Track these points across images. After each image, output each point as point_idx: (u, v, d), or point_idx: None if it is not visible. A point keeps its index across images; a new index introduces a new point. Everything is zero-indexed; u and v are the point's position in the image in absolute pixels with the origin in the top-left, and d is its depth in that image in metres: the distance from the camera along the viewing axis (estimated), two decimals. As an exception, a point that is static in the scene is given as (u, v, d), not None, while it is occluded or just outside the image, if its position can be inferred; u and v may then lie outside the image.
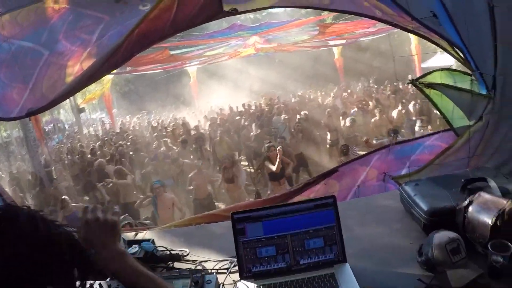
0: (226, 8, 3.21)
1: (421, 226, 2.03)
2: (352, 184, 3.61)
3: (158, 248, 2.14)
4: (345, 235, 1.84)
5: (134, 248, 2.14)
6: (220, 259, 2.05)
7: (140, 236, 2.33)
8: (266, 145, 8.18)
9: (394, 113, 11.33)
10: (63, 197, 8.42)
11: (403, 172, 3.52)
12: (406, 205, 2.23)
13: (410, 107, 11.38)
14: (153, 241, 2.17)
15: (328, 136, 11.10)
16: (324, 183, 3.71)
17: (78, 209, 7.47)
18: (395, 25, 3.58)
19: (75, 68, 3.90)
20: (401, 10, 3.36)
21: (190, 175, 8.48)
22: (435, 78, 3.60)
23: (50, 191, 9.65)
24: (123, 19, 3.68)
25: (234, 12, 3.28)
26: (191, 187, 8.44)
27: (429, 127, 9.95)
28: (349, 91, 18.28)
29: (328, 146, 11.10)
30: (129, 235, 2.48)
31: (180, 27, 3.38)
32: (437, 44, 3.63)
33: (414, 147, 3.63)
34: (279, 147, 7.86)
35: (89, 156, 12.59)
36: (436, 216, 1.96)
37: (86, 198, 9.80)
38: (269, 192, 8.06)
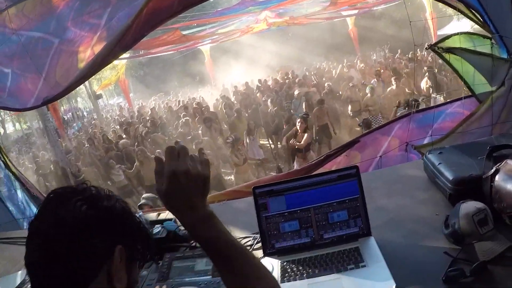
0: None
1: (447, 196, 1.95)
2: (374, 154, 3.53)
3: (180, 227, 2.12)
4: (369, 207, 1.78)
5: (157, 228, 2.13)
6: (243, 235, 2.03)
7: (163, 216, 2.33)
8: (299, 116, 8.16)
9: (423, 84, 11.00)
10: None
11: (426, 141, 3.43)
12: (431, 174, 2.14)
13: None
14: (175, 221, 2.15)
15: (349, 108, 10.96)
16: (345, 155, 3.65)
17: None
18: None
19: (87, 53, 3.88)
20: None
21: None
22: (455, 42, 3.47)
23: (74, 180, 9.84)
24: (130, 0, 3.63)
25: None
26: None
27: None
28: (367, 61, 17.97)
29: (350, 117, 10.98)
30: (152, 215, 2.49)
31: (188, 2, 3.29)
32: (454, 8, 3.48)
33: (436, 115, 3.51)
34: (299, 120, 7.85)
35: (111, 138, 12.74)
36: (462, 185, 1.87)
37: (109, 182, 9.95)
38: (296, 167, 8.01)
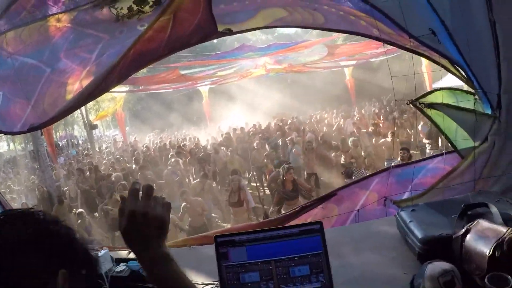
0: (220, 28, 3.20)
1: (416, 255, 1.90)
2: (352, 208, 3.47)
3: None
4: (336, 262, 1.75)
5: (121, 267, 2.12)
6: (204, 282, 1.97)
7: (132, 254, 2.26)
8: (286, 166, 8.12)
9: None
10: (80, 210, 8.45)
11: (405, 196, 3.39)
12: (402, 232, 2.10)
13: (420, 128, 11.25)
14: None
15: (342, 158, 11.00)
16: (322, 207, 3.60)
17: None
18: (393, 44, 3.51)
19: (75, 86, 3.89)
20: (398, 29, 3.30)
21: (183, 204, 8.07)
22: (437, 97, 3.51)
23: (60, 209, 9.66)
24: (122, 39, 3.69)
25: (228, 32, 3.29)
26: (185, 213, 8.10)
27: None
28: (362, 111, 18.25)
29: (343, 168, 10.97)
30: (123, 253, 2.42)
31: (175, 47, 3.37)
32: (438, 63, 3.55)
33: (416, 170, 3.49)
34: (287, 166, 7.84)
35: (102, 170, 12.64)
36: (431, 245, 1.83)
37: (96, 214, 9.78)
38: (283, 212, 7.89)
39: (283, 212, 7.87)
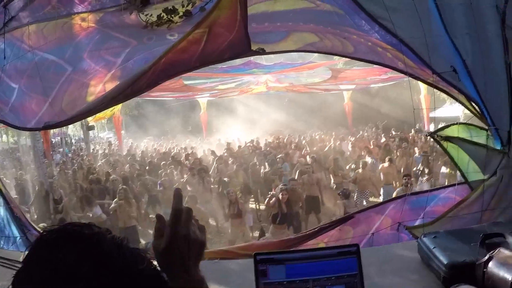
0: (254, 47, 3.26)
1: (440, 278, 2.00)
2: (366, 231, 3.56)
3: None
4: (365, 282, 1.80)
5: None
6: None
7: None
8: (281, 186, 8.14)
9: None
10: (60, 216, 8.36)
11: (417, 222, 3.50)
12: (425, 256, 2.20)
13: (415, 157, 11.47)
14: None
15: (332, 180, 11.08)
16: (339, 229, 3.67)
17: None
18: (416, 78, 3.63)
19: (97, 88, 3.88)
20: (422, 63, 3.42)
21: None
22: (453, 131, 3.64)
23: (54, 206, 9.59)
24: (150, 46, 3.71)
25: (261, 52, 3.34)
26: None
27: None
28: (358, 135, 18.45)
29: (334, 189, 11.05)
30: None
31: (207, 60, 3.41)
32: (455, 98, 3.68)
33: (429, 199, 3.61)
34: (282, 188, 7.86)
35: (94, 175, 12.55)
36: (456, 270, 1.94)
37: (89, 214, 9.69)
38: (267, 234, 7.92)
39: (267, 235, 7.87)
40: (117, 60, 3.86)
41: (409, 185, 7.44)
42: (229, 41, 3.10)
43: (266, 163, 12.91)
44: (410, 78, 3.63)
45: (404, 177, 8.00)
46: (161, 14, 3.81)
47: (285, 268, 1.79)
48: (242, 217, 8.21)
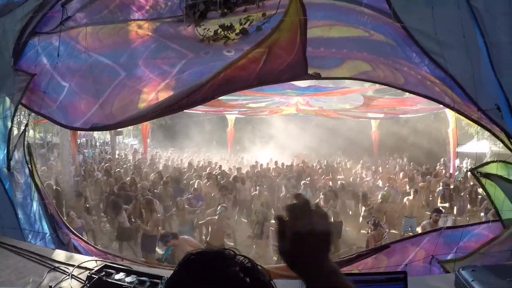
0: (310, 71, 3.33)
1: (478, 310, 2.06)
2: (400, 262, 3.59)
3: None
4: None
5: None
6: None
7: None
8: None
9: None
10: (69, 211, 8.55)
11: (449, 257, 3.52)
12: (462, 288, 2.26)
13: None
14: None
15: (362, 209, 10.97)
16: (375, 257, 3.72)
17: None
18: (461, 113, 3.68)
19: (150, 95, 3.95)
20: (468, 100, 3.48)
21: (207, 218, 8.37)
22: (492, 169, 3.67)
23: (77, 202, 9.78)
24: (207, 60, 3.78)
25: (317, 76, 3.41)
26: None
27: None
28: (386, 166, 18.28)
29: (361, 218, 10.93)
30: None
31: (265, 80, 3.49)
32: (497, 136, 3.72)
33: (463, 234, 3.64)
34: None
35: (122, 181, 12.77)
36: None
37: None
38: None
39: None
40: (173, 71, 3.94)
41: (438, 221, 7.37)
42: (288, 63, 3.19)
43: (283, 187, 12.83)
44: (448, 111, 3.69)
45: (434, 213, 7.91)
46: (218, 29, 3.91)
47: None
48: (267, 238, 8.21)
